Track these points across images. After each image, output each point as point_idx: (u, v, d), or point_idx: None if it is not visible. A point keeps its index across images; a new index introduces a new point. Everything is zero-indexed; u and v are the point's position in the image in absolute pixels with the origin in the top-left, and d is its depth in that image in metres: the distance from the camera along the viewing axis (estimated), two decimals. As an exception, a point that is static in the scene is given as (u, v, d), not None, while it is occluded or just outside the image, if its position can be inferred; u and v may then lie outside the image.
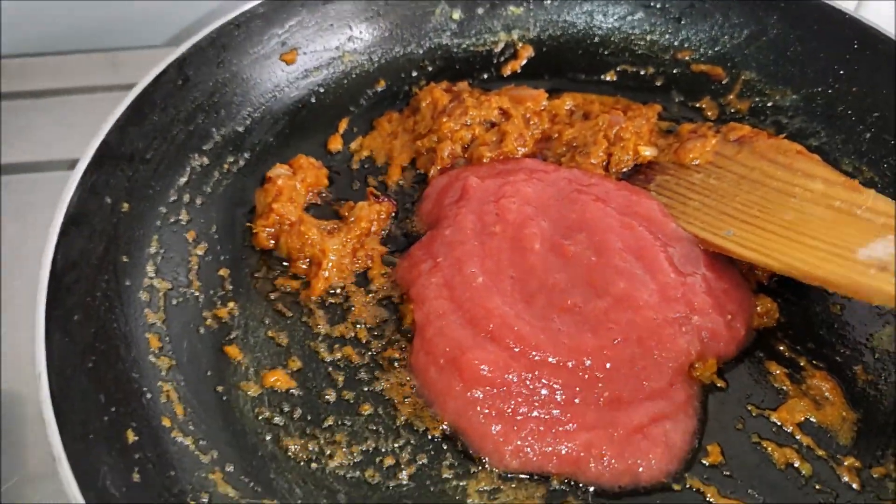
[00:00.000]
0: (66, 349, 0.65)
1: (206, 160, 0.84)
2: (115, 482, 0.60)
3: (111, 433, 0.63)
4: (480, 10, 0.97)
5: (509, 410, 0.68)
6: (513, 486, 0.67)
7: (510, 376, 0.69)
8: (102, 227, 0.73)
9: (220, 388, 0.72)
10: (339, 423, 0.70)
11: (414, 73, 0.96)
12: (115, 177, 0.76)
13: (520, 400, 0.69)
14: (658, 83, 0.96)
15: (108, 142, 0.75)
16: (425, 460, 0.68)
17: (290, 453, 0.68)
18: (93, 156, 0.73)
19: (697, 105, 0.94)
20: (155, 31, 1.10)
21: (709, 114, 0.93)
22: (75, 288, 0.69)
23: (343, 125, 0.92)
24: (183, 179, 0.82)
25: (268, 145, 0.88)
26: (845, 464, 0.68)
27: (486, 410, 0.68)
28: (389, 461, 0.68)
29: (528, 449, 0.67)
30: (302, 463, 0.68)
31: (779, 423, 0.70)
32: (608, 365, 0.70)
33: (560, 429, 0.68)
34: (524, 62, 0.98)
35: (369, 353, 0.75)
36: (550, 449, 0.67)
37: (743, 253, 0.75)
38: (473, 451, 0.68)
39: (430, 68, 0.97)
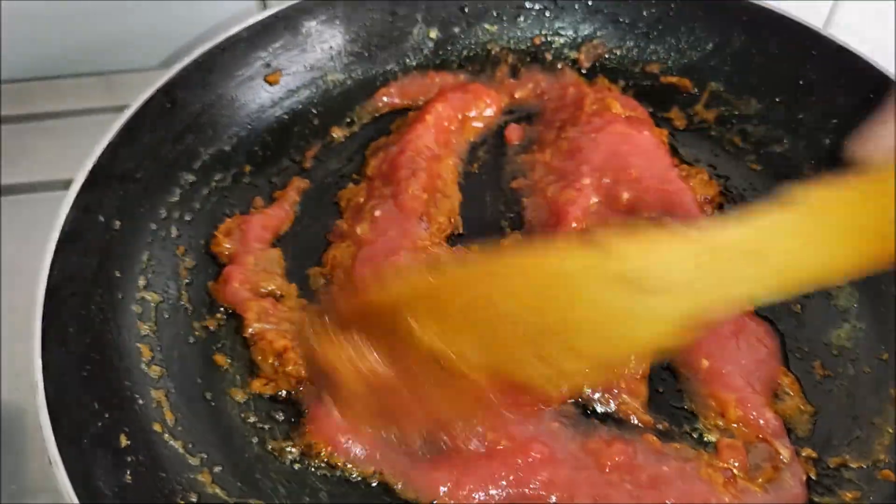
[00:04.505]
0: (62, 359, 0.69)
1: (194, 178, 0.88)
2: (108, 482, 0.64)
3: (105, 437, 0.67)
4: (457, 29, 1.01)
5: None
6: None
7: None
8: (96, 244, 0.77)
9: (208, 395, 0.75)
10: (322, 425, 0.74)
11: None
12: (108, 196, 0.80)
13: None
14: (629, 95, 0.99)
15: (100, 163, 0.79)
16: (403, 459, 0.71)
17: (274, 454, 0.72)
18: (86, 177, 0.77)
19: (667, 116, 0.98)
20: (149, 53, 1.14)
21: (677, 124, 0.97)
22: (71, 301, 0.73)
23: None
24: (173, 197, 0.86)
25: (255, 163, 0.92)
26: (803, 454, 0.71)
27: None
28: (369, 460, 0.71)
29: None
30: (286, 463, 0.71)
31: (741, 417, 0.73)
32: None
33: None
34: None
35: (351, 358, 0.78)
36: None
37: None
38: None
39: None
